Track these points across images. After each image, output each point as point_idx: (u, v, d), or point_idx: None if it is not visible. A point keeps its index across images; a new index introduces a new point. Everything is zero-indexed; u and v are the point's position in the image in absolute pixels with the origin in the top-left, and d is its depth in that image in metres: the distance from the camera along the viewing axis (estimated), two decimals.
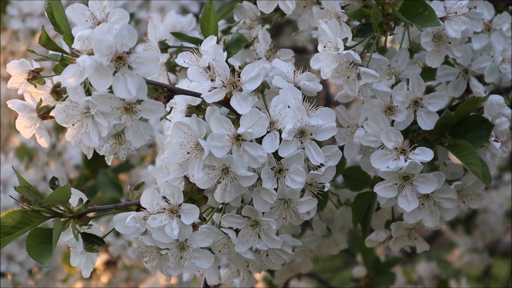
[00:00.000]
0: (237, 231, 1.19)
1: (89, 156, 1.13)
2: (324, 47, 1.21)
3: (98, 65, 1.01)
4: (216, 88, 1.14)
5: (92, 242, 1.17)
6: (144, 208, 1.15)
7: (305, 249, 1.47)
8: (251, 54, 1.38)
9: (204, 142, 1.11)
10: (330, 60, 1.20)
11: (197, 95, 1.16)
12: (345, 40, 1.20)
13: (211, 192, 1.18)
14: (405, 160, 1.20)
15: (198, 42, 1.29)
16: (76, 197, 1.16)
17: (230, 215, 1.18)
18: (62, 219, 1.14)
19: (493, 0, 1.41)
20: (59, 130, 2.21)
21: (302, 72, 1.23)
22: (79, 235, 1.15)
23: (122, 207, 1.20)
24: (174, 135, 1.13)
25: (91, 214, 1.18)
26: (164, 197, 1.16)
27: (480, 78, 1.36)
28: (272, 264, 1.24)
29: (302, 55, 2.43)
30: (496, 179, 3.09)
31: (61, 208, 1.15)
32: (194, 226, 1.18)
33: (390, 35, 1.27)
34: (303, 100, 1.17)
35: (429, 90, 1.36)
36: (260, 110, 1.14)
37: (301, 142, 1.15)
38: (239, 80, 1.14)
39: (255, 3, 1.34)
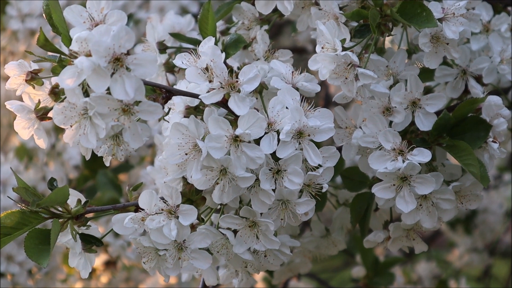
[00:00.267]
0: (235, 232, 1.20)
1: (87, 157, 1.13)
2: (322, 48, 1.21)
3: (96, 67, 1.01)
4: (214, 89, 1.14)
5: (91, 243, 1.17)
6: (142, 209, 1.15)
7: (304, 250, 1.47)
8: (250, 55, 1.39)
9: (202, 143, 1.11)
10: (328, 61, 1.20)
11: (195, 96, 1.16)
12: (343, 41, 1.20)
13: (209, 193, 1.18)
14: (403, 161, 1.20)
15: (196, 42, 1.29)
16: (74, 198, 1.16)
17: (228, 216, 1.19)
18: (60, 220, 1.14)
19: (492, 0, 1.41)
20: (59, 130, 2.21)
21: (301, 73, 1.23)
22: (77, 236, 1.15)
23: (121, 208, 1.20)
24: (172, 136, 1.14)
25: (89, 215, 1.18)
26: (162, 198, 1.16)
27: (479, 79, 1.36)
28: (270, 264, 1.24)
29: (302, 55, 2.44)
30: (496, 179, 3.09)
31: (60, 209, 1.15)
32: (192, 227, 1.18)
33: (388, 36, 1.27)
34: (301, 101, 1.17)
35: (427, 91, 1.37)
36: (258, 111, 1.14)
37: (299, 143, 1.15)
38: (237, 81, 1.14)
39: (253, 4, 1.35)
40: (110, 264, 2.29)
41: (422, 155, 1.20)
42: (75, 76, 1.02)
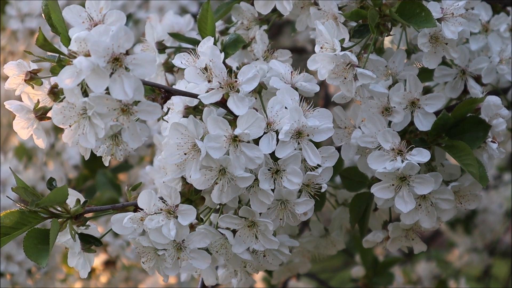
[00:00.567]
0: (234, 231, 1.20)
1: (86, 157, 1.13)
2: (321, 48, 1.21)
3: (94, 67, 1.01)
4: (213, 89, 1.14)
5: (90, 243, 1.18)
6: (141, 209, 1.15)
7: (303, 250, 1.47)
8: (249, 54, 1.39)
9: (201, 143, 1.11)
10: (327, 61, 1.20)
11: (194, 96, 1.16)
12: (342, 41, 1.20)
13: (208, 193, 1.18)
14: (402, 161, 1.20)
15: (195, 42, 1.29)
16: (73, 198, 1.16)
17: (227, 216, 1.19)
18: (59, 220, 1.14)
19: (491, 0, 1.41)
20: (58, 130, 2.21)
21: (300, 73, 1.23)
22: (76, 236, 1.15)
23: (120, 207, 1.20)
24: (171, 136, 1.14)
25: (88, 215, 1.18)
26: (161, 198, 1.16)
27: (478, 79, 1.36)
28: (269, 264, 1.25)
29: (302, 55, 2.44)
30: (495, 179, 3.09)
31: (59, 208, 1.15)
32: (191, 227, 1.18)
33: (387, 36, 1.27)
34: (300, 101, 1.17)
35: (426, 91, 1.37)
36: (257, 111, 1.14)
37: (298, 143, 1.15)
38: (236, 81, 1.14)
39: (252, 4, 1.35)
40: (109, 264, 2.29)
41: (421, 155, 1.20)
42: (74, 76, 1.02)
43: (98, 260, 2.25)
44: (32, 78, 1.11)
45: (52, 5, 1.10)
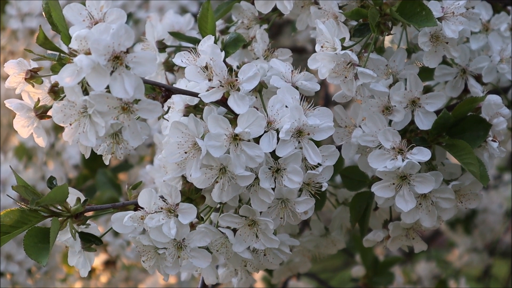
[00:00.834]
0: (234, 230, 1.20)
1: (87, 156, 1.13)
2: (322, 47, 1.21)
3: (95, 65, 1.01)
4: (213, 87, 1.14)
5: (90, 242, 1.17)
6: (142, 208, 1.15)
7: (303, 249, 1.47)
8: (249, 54, 1.39)
9: (201, 142, 1.11)
10: (328, 60, 1.20)
11: (195, 94, 1.16)
12: (342, 40, 1.20)
13: (209, 192, 1.18)
14: (403, 160, 1.20)
15: (196, 41, 1.29)
16: (73, 197, 1.16)
17: (228, 215, 1.19)
18: (59, 219, 1.14)
19: (491, 0, 1.41)
20: (58, 129, 2.21)
21: (300, 72, 1.23)
22: (77, 235, 1.15)
23: (120, 206, 1.20)
24: (171, 134, 1.13)
25: (89, 214, 1.18)
26: (161, 197, 1.16)
27: (478, 78, 1.36)
28: (270, 263, 1.24)
29: (302, 55, 2.44)
30: (495, 179, 3.09)
31: (59, 207, 1.15)
32: (192, 226, 1.18)
33: (387, 35, 1.27)
34: (301, 100, 1.17)
35: (427, 90, 1.36)
36: (257, 110, 1.14)
37: (299, 142, 1.15)
38: (237, 80, 1.14)
39: (253, 3, 1.35)
40: (109, 263, 2.29)
41: (421, 154, 1.20)
42: (75, 74, 1.02)
43: (98, 260, 2.25)
44: (33, 76, 1.11)
45: (53, 4, 1.10)
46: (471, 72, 1.36)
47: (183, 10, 2.20)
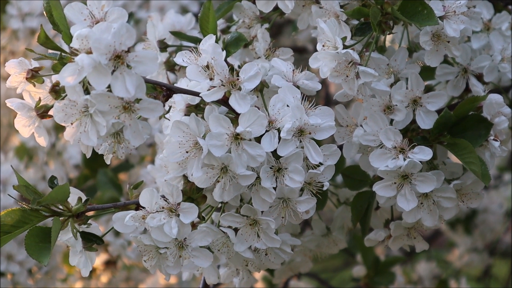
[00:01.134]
0: (236, 230, 1.19)
1: (88, 155, 1.13)
2: (323, 46, 1.21)
3: (96, 64, 1.01)
4: (215, 87, 1.14)
5: (91, 241, 1.17)
6: (143, 207, 1.15)
7: (305, 249, 1.47)
8: (250, 53, 1.38)
9: (203, 141, 1.11)
10: (329, 59, 1.20)
11: (196, 94, 1.16)
12: (344, 39, 1.20)
13: (210, 191, 1.18)
14: (404, 159, 1.20)
15: (197, 41, 1.29)
16: (75, 196, 1.16)
17: (229, 214, 1.18)
18: (61, 218, 1.14)
19: None
20: (59, 129, 2.21)
21: (301, 71, 1.23)
22: (78, 234, 1.15)
23: (121, 206, 1.20)
24: (173, 134, 1.13)
25: (90, 213, 1.18)
26: (163, 196, 1.16)
27: (479, 77, 1.36)
28: (271, 263, 1.24)
29: (302, 55, 2.44)
30: (496, 179, 3.09)
31: (60, 207, 1.15)
32: (193, 225, 1.18)
33: (389, 34, 1.27)
34: (302, 99, 1.17)
35: (428, 89, 1.36)
36: (259, 109, 1.14)
37: (300, 141, 1.15)
38: (238, 79, 1.14)
39: (254, 2, 1.34)
40: (110, 263, 2.28)
41: (423, 153, 1.20)
42: (76, 74, 1.02)
43: (99, 260, 2.25)
44: (34, 76, 1.11)
45: (54, 3, 1.10)
46: (472, 71, 1.35)
47: (183, 10, 2.19)
